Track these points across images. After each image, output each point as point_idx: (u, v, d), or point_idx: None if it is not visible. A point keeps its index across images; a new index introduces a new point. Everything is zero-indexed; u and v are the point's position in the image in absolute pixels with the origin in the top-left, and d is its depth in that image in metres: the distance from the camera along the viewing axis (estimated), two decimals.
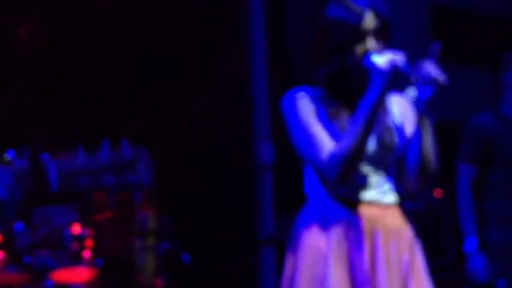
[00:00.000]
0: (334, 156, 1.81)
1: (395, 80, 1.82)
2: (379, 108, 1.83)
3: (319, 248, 1.85)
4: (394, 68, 1.78)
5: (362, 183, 1.89)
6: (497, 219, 3.01)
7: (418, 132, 1.85)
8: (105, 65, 5.13)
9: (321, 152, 1.83)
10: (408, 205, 3.76)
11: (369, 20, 1.87)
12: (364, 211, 1.87)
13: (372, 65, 1.83)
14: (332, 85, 1.92)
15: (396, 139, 1.94)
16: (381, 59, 1.81)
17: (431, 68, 1.79)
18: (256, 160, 4.55)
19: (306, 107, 1.90)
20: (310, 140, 1.86)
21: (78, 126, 4.55)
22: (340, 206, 1.87)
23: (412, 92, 1.82)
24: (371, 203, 1.89)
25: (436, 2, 5.27)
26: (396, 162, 1.95)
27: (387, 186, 1.94)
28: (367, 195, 1.89)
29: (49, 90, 4.70)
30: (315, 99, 1.92)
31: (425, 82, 1.78)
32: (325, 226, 1.87)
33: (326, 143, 1.84)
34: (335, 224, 1.86)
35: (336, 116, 1.90)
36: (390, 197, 1.94)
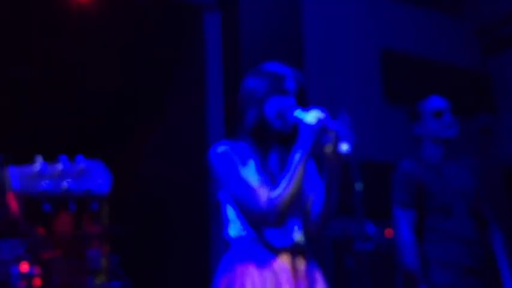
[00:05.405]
0: (272, 203, 1.99)
1: (322, 136, 2.03)
2: (307, 159, 2.03)
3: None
4: (322, 125, 1.99)
5: (283, 229, 2.07)
6: (437, 262, 3.02)
7: (326, 178, 2.08)
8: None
9: (259, 198, 2.00)
10: (359, 245, 3.81)
11: (289, 80, 2.12)
12: (285, 253, 2.05)
13: (299, 120, 2.03)
14: (253, 136, 2.11)
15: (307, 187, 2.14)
16: (309, 116, 2.01)
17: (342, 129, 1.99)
18: (209, 202, 4.54)
19: (234, 159, 2.06)
20: (246, 189, 2.02)
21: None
22: (264, 250, 2.04)
23: (345, 146, 1.95)
24: (291, 246, 2.07)
25: (386, 47, 5.44)
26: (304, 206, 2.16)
27: (299, 228, 2.11)
28: (287, 239, 2.07)
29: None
30: (240, 151, 2.09)
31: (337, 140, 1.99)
32: (248, 268, 2.02)
33: (262, 191, 2.02)
34: (260, 266, 2.02)
35: (264, 165, 2.09)
36: (302, 238, 2.11)
